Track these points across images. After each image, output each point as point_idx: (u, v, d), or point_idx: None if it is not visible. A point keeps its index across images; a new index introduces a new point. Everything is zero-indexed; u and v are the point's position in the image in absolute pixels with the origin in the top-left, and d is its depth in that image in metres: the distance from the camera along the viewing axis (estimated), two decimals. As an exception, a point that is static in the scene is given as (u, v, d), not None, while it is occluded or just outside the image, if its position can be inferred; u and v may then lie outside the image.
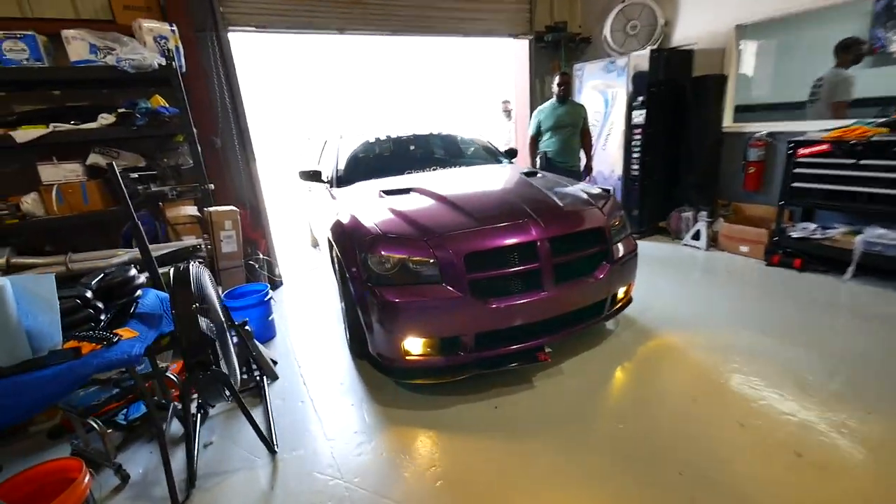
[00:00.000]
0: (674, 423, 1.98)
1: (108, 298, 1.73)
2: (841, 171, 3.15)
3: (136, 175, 3.04)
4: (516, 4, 5.08)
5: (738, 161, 4.24)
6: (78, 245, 3.04)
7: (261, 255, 3.76)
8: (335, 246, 2.51)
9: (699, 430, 1.92)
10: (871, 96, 3.52)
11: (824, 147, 3.21)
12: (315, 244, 5.25)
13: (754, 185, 4.15)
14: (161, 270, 2.74)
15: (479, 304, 2.08)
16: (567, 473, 1.75)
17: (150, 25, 3.08)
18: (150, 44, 3.08)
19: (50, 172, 2.91)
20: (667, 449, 1.83)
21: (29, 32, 2.76)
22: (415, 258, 2.10)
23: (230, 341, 2.07)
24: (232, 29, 3.64)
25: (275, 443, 2.00)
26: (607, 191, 4.80)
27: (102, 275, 1.77)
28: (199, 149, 3.33)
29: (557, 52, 5.47)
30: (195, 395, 2.03)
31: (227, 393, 1.87)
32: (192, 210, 3.16)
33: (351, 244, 2.29)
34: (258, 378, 2.48)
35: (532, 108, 5.44)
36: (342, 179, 3.28)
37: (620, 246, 2.51)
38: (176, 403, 2.13)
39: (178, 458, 1.94)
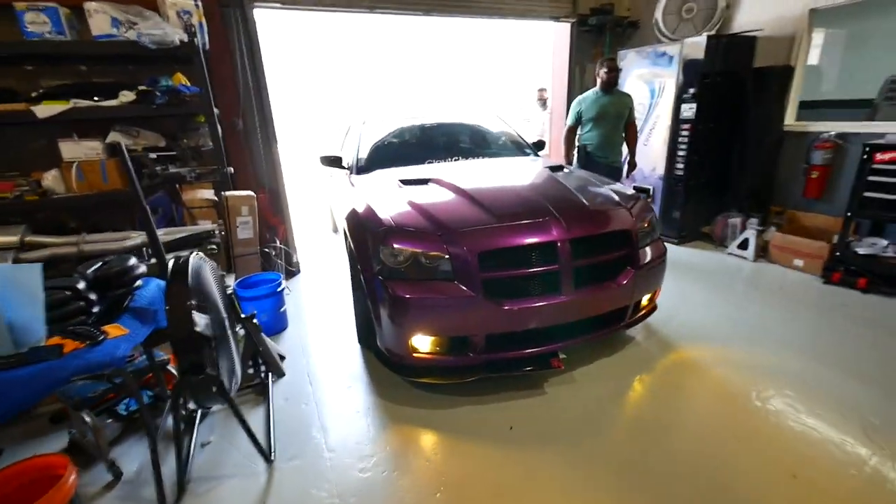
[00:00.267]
0: (698, 453, 1.79)
1: (105, 289, 1.63)
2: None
3: (154, 156, 2.97)
4: (559, -16, 4.73)
5: (799, 164, 3.82)
6: (100, 223, 3.03)
7: (278, 243, 3.67)
8: (349, 235, 2.44)
9: (733, 475, 1.68)
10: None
11: (908, 153, 2.80)
12: (336, 229, 5.20)
13: (816, 191, 3.73)
14: (183, 253, 2.69)
15: (491, 305, 1.98)
16: (573, 493, 1.63)
17: (173, -1, 2.97)
18: (172, 18, 2.97)
19: (71, 149, 2.87)
20: (686, 477, 1.67)
21: (51, 4, 2.68)
22: (428, 253, 2.02)
23: (233, 339, 1.96)
24: (258, 5, 3.49)
25: (273, 449, 1.89)
26: (646, 190, 4.52)
27: (100, 263, 1.67)
28: (220, 130, 3.23)
29: (601, 38, 5.08)
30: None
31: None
32: (208, 194, 3.08)
33: (364, 234, 2.23)
34: (263, 375, 2.38)
35: (570, 98, 5.11)
36: (362, 167, 3.20)
37: (648, 250, 2.35)
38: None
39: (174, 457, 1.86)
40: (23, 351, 1.27)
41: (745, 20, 4.09)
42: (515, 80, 8.75)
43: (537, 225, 2.09)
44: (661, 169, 4.34)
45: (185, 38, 2.89)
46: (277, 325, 2.99)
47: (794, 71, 3.81)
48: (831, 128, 3.59)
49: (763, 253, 3.81)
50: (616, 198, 2.42)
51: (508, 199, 2.34)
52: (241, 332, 2.31)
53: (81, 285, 1.52)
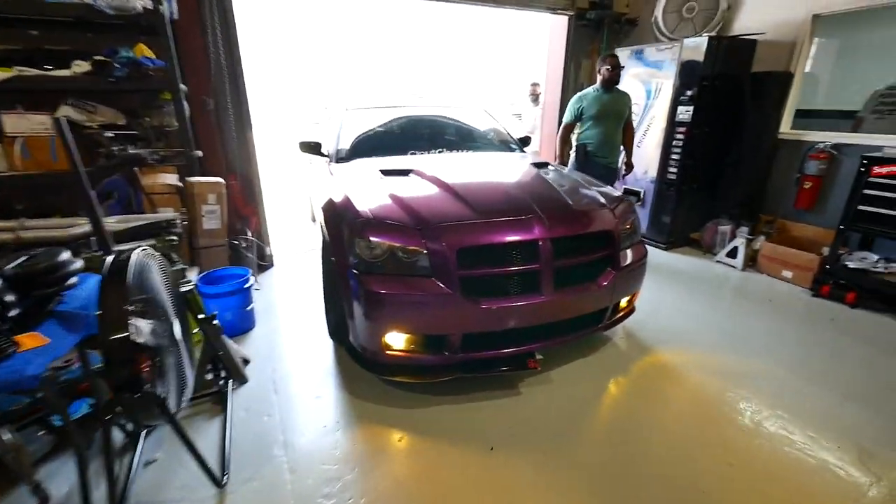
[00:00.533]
0: (673, 458, 1.80)
1: (29, 288, 1.40)
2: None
3: (111, 134, 2.69)
4: (558, -26, 4.53)
5: (792, 173, 3.75)
6: (51, 206, 2.76)
7: (250, 234, 3.42)
8: (324, 225, 2.35)
9: (707, 480, 1.66)
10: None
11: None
12: (314, 219, 4.97)
13: (808, 202, 3.66)
14: (129, 246, 2.44)
15: (469, 304, 1.92)
16: (549, 498, 1.60)
17: (136, -40, 2.68)
18: (135, -18, 2.68)
19: (15, 123, 2.57)
20: (661, 480, 1.68)
21: (-6, -42, 2.39)
22: (405, 247, 1.95)
23: (185, 345, 1.75)
24: (234, -27, 3.21)
25: (226, 470, 1.70)
26: (636, 193, 4.41)
27: (24, 258, 1.44)
28: (188, 109, 2.97)
29: (598, 33, 4.92)
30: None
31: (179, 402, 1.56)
32: (172, 179, 2.83)
33: (340, 225, 2.14)
34: (223, 382, 2.17)
35: (564, 94, 4.96)
36: (342, 155, 3.07)
37: (629, 252, 2.32)
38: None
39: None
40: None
41: (746, 23, 3.98)
42: (508, 73, 8.56)
43: (519, 222, 2.03)
44: (653, 172, 4.23)
45: (150, 4, 2.61)
46: (243, 324, 2.77)
47: (792, 77, 3.72)
48: (827, 138, 3.52)
49: (752, 262, 3.75)
50: (600, 198, 2.38)
51: (491, 194, 2.28)
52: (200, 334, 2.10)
53: (-3, 284, 1.29)
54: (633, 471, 1.73)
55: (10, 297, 1.31)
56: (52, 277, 1.47)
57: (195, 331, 2.34)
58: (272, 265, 3.88)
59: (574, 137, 3.73)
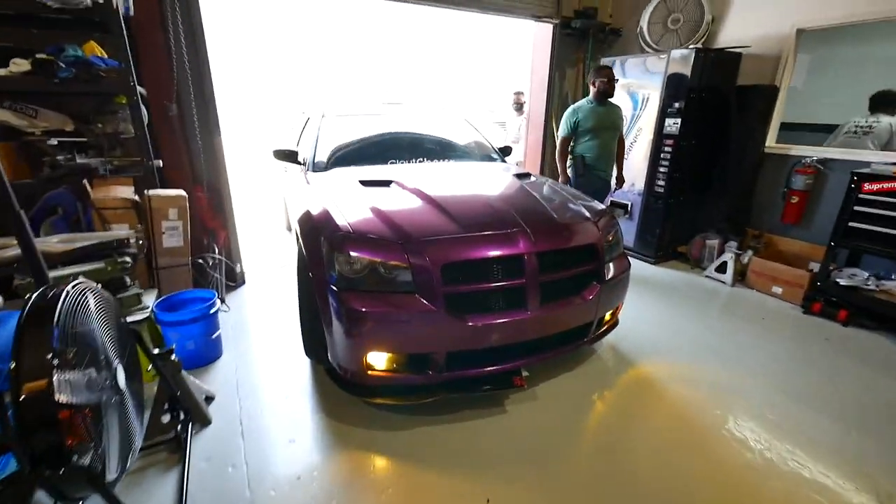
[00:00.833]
0: (662, 475, 1.80)
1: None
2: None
3: (55, 142, 2.39)
4: (543, -19, 4.44)
5: (779, 188, 3.73)
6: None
7: (217, 251, 3.14)
8: (301, 238, 2.25)
9: (695, 496, 1.52)
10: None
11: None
12: (290, 228, 4.71)
13: (794, 217, 3.65)
14: (74, 270, 2.15)
15: (454, 321, 1.85)
16: None
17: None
18: (84, -27, 2.40)
19: (-61, 128, 2.26)
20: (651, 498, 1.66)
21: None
22: (387, 262, 1.87)
23: (130, 396, 1.49)
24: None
25: (180, 540, 1.45)
26: (624, 206, 4.33)
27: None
28: (146, 115, 2.69)
29: (583, 43, 4.86)
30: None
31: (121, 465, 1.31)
32: (126, 192, 2.54)
33: (318, 239, 2.04)
34: (181, 426, 1.91)
35: (549, 103, 4.87)
36: (319, 164, 2.96)
37: (613, 265, 2.30)
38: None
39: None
40: None
41: (730, 36, 3.97)
42: (489, 81, 8.47)
43: (505, 237, 1.99)
44: (640, 184, 4.16)
45: (100, -2, 2.34)
46: (209, 353, 2.50)
47: (777, 91, 3.70)
48: (813, 152, 3.51)
49: (741, 277, 3.70)
50: (584, 211, 2.36)
51: (475, 207, 2.23)
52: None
53: None
54: (624, 490, 1.70)
55: None
56: (-41, 322, 1.20)
57: (149, 368, 2.08)
58: (243, 282, 3.60)
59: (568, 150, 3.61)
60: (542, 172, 5.12)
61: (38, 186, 2.45)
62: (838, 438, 1.99)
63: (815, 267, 3.26)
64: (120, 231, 2.41)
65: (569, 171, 3.59)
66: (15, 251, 2.07)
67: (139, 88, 2.60)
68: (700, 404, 2.20)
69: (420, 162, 3.12)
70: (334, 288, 1.89)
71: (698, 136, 3.85)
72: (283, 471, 1.78)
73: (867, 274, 3.09)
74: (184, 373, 2.00)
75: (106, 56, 2.52)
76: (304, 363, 2.49)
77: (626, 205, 4.31)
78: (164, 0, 2.71)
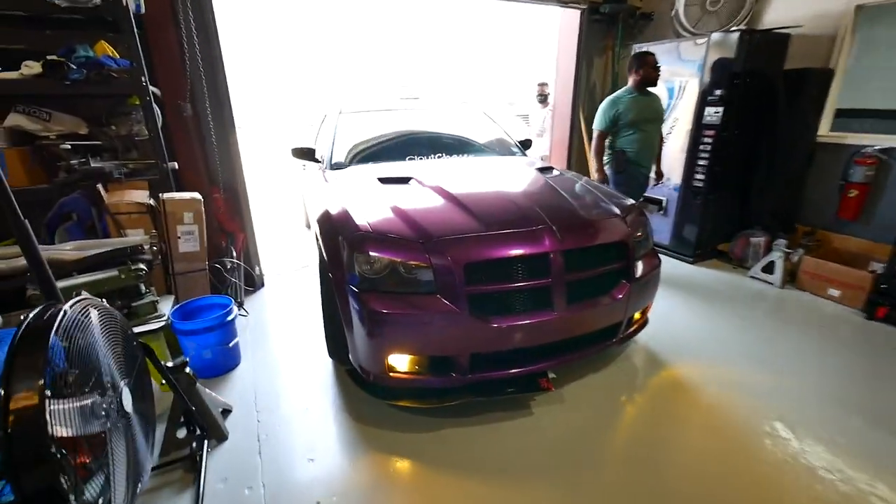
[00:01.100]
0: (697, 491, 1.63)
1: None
2: None
3: (68, 146, 2.33)
4: (570, -35, 4.19)
5: (834, 180, 3.41)
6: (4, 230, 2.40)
7: (234, 254, 3.06)
8: (320, 238, 2.20)
9: None
10: None
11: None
12: (309, 225, 4.65)
13: (852, 212, 3.32)
14: (87, 279, 2.08)
15: (477, 322, 1.80)
16: None
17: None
18: (94, -30, 2.32)
19: (-46, 134, 2.22)
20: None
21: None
22: (407, 262, 1.82)
23: (139, 420, 1.39)
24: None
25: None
26: (658, 202, 4.07)
27: None
28: (160, 115, 2.61)
29: (612, 29, 4.59)
30: None
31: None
32: (140, 196, 2.46)
33: (337, 239, 2.00)
34: (195, 443, 1.81)
35: (576, 94, 4.62)
36: (337, 161, 2.92)
37: (642, 262, 2.21)
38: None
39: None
40: None
41: (777, 16, 3.64)
42: (510, 72, 8.22)
43: (529, 234, 1.92)
44: (676, 178, 3.88)
45: (109, -5, 2.25)
46: (226, 362, 2.41)
47: (832, 74, 3.38)
48: (875, 141, 3.18)
49: (791, 278, 3.40)
50: (611, 206, 2.26)
51: (498, 204, 2.16)
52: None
53: None
54: (657, 500, 1.61)
55: None
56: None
57: (164, 381, 1.99)
58: (262, 285, 3.52)
59: (606, 144, 3.34)
60: (568, 167, 4.89)
61: (54, 192, 2.39)
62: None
63: (878, 267, 2.95)
64: (134, 237, 2.33)
65: (606, 167, 3.33)
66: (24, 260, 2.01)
67: (152, 88, 2.51)
68: (747, 415, 2.03)
69: (439, 157, 3.04)
70: (354, 289, 1.85)
71: (742, 125, 3.56)
72: (301, 494, 1.66)
73: (941, 275, 2.77)
74: (199, 385, 1.91)
75: (118, 56, 2.44)
76: (325, 368, 2.43)
77: (661, 200, 4.04)
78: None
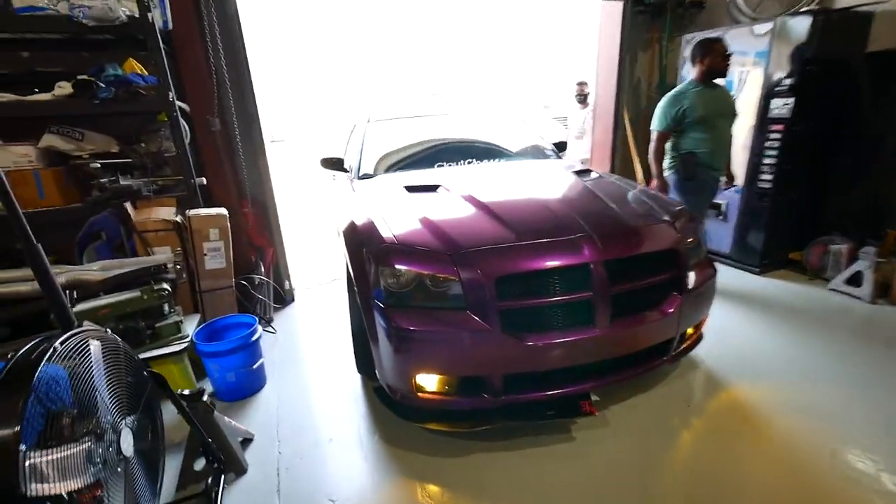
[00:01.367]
0: None
1: None
2: None
3: (97, 165, 2.32)
4: (611, -46, 3.91)
5: (934, 177, 2.92)
6: (54, 246, 2.43)
7: (263, 272, 2.99)
8: (346, 251, 2.13)
9: None
10: None
11: None
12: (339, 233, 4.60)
13: (959, 213, 2.82)
14: (109, 301, 2.04)
15: (510, 340, 1.68)
16: None
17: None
18: (121, -13, 2.32)
19: (-7, 156, 2.26)
20: None
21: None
22: (435, 275, 1.72)
23: (141, 465, 1.27)
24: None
25: None
26: (716, 206, 3.67)
27: None
28: (188, 131, 2.58)
29: (658, 20, 4.24)
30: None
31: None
32: (166, 213, 2.42)
33: (362, 252, 1.92)
34: (211, 477, 1.69)
35: (619, 92, 4.30)
36: (365, 170, 2.83)
37: (694, 272, 2.01)
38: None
39: None
40: None
41: (853, -7, 3.19)
42: (546, 76, 7.93)
43: (567, 244, 1.78)
44: (738, 179, 3.48)
45: (136, 13, 2.23)
46: (250, 385, 2.31)
47: (928, 55, 2.90)
48: None
49: (884, 293, 2.93)
50: (658, 210, 2.09)
51: (531, 211, 2.03)
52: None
53: None
54: None
55: None
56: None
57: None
58: (292, 300, 3.45)
59: (667, 146, 2.95)
60: (612, 170, 4.55)
61: (85, 211, 2.40)
62: None
63: None
64: (158, 256, 2.29)
65: (667, 172, 2.95)
66: (60, 279, 1.98)
67: (180, 104, 2.49)
68: (824, 448, 1.75)
69: (468, 163, 2.93)
70: (380, 304, 1.76)
71: (816, 117, 3.13)
72: (320, 545, 1.50)
73: None
74: (217, 414, 1.80)
75: (146, 73, 2.43)
76: (354, 384, 2.34)
77: (719, 204, 3.64)
78: (203, 13, 2.58)
